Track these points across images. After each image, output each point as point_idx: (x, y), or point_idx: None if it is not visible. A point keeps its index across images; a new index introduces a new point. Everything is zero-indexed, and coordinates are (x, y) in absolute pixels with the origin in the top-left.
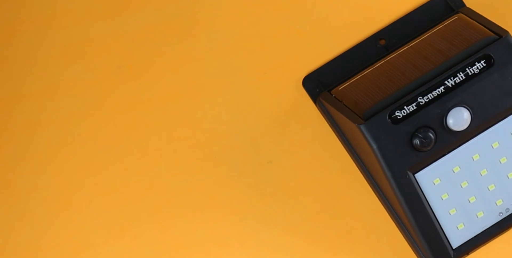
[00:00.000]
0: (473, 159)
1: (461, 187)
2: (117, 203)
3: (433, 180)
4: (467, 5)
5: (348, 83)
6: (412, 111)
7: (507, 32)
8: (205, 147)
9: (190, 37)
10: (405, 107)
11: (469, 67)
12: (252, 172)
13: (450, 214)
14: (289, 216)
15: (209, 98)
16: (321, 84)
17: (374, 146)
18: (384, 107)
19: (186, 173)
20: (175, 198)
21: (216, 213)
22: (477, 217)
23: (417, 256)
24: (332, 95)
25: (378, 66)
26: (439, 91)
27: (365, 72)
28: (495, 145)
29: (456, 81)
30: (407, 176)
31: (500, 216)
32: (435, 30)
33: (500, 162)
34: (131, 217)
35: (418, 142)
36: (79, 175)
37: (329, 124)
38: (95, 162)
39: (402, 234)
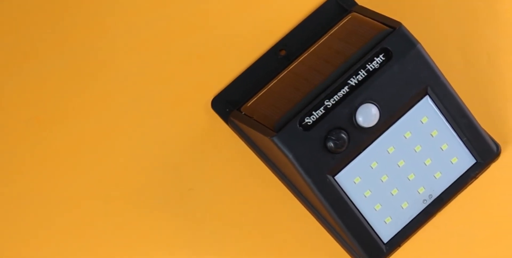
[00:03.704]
0: (389, 152)
1: (382, 181)
2: (46, 249)
3: (353, 179)
4: (359, 4)
5: (255, 98)
6: (321, 115)
7: (399, 23)
8: (126, 184)
9: (93, 79)
10: (313, 112)
11: (369, 63)
12: (176, 202)
13: (375, 209)
14: (220, 239)
15: (122, 135)
16: (230, 104)
17: (290, 155)
18: (293, 115)
19: (112, 213)
20: (104, 239)
21: (147, 247)
22: (403, 208)
23: (351, 257)
24: (242, 112)
25: (282, 76)
26: (344, 92)
27: (270, 85)
28: (408, 135)
29: (359, 79)
30: (327, 180)
31: (425, 203)
32: (331, 32)
33: (416, 151)
34: None
35: (332, 144)
36: (8, 224)
37: (244, 142)
38: (18, 216)
39: (334, 237)
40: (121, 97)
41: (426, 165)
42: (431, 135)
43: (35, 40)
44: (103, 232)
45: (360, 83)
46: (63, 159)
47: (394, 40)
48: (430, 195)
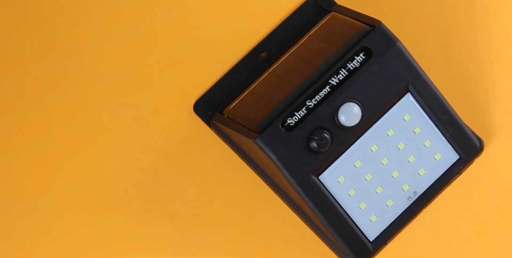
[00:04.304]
0: (372, 151)
1: (366, 180)
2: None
3: (337, 179)
4: (338, 3)
5: (237, 101)
6: (304, 115)
7: (379, 21)
8: (111, 191)
9: (74, 87)
10: (295, 113)
11: (350, 62)
12: (162, 207)
13: (360, 208)
14: (208, 242)
15: (105, 142)
16: (212, 107)
17: (273, 157)
18: (275, 117)
19: (98, 221)
20: (91, 247)
21: (135, 254)
22: (387, 206)
23: (338, 257)
24: (224, 115)
25: (263, 78)
26: (325, 91)
27: (252, 87)
28: (390, 132)
29: (340, 78)
30: (311, 180)
31: (409, 200)
32: (311, 33)
33: (399, 148)
34: None
35: (315, 144)
36: None
37: (227, 145)
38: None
39: (320, 237)
40: (102, 104)
41: (409, 162)
42: (414, 132)
43: (14, 48)
44: (89, 241)
45: (341, 82)
46: (46, 168)
47: (374, 39)
48: (415, 192)
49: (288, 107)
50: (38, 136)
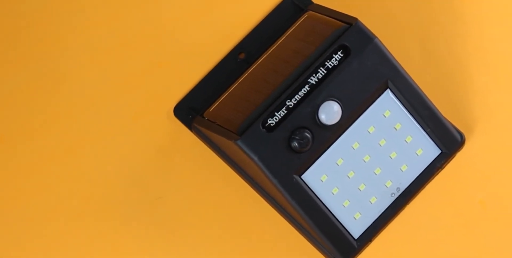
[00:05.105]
0: (354, 148)
1: (349, 177)
2: None
3: (320, 177)
4: (315, 2)
5: (217, 103)
6: (284, 115)
7: (356, 19)
8: (94, 198)
9: (52, 95)
10: (275, 113)
11: (328, 61)
12: (146, 212)
13: (344, 206)
14: (193, 246)
15: (86, 150)
16: (192, 110)
17: (255, 158)
18: (255, 118)
19: (82, 229)
20: (77, 254)
21: None
22: (371, 203)
23: (325, 257)
24: (205, 118)
25: (242, 80)
26: (305, 91)
27: (231, 89)
28: (371, 129)
29: (319, 77)
30: (294, 180)
31: (393, 196)
32: (288, 32)
33: (380, 145)
34: None
35: (296, 144)
36: None
37: (209, 147)
38: None
39: (305, 237)
40: (82, 111)
41: (391, 158)
42: (395, 128)
43: None
44: (74, 248)
45: (320, 81)
46: (26, 177)
47: (351, 36)
48: (398, 188)
49: (268, 108)
50: (17, 144)
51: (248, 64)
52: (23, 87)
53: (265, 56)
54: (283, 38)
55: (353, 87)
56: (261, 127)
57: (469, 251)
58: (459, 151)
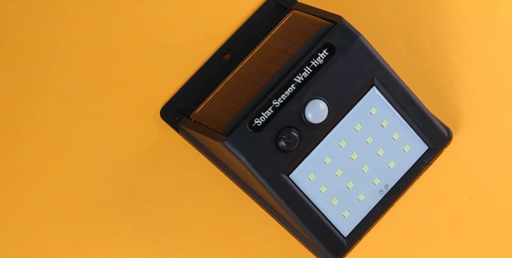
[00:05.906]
0: (341, 146)
1: (337, 176)
2: None
3: (308, 176)
4: (299, 1)
5: (203, 104)
6: (270, 115)
7: (340, 17)
8: (82, 202)
9: (39, 99)
10: (262, 113)
11: (313, 59)
12: (135, 215)
13: (333, 204)
14: (182, 248)
15: (73, 153)
16: (179, 112)
17: (242, 159)
18: (242, 118)
19: (70, 233)
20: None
21: None
22: (360, 200)
23: (315, 255)
24: (192, 119)
25: (228, 80)
26: (290, 90)
27: (218, 89)
28: (358, 127)
29: (305, 76)
30: (282, 179)
31: (381, 194)
32: (273, 32)
33: (367, 143)
34: None
35: (284, 143)
36: None
37: (196, 149)
38: None
39: (295, 237)
40: (68, 115)
41: (379, 155)
42: (382, 125)
43: None
44: (62, 252)
45: (306, 80)
46: (12, 180)
47: (336, 35)
48: (386, 185)
49: (254, 108)
50: (2, 148)
51: (234, 64)
52: (8, 91)
53: (250, 56)
54: (268, 37)
55: (339, 85)
56: (248, 127)
57: (460, 247)
58: (446, 146)
